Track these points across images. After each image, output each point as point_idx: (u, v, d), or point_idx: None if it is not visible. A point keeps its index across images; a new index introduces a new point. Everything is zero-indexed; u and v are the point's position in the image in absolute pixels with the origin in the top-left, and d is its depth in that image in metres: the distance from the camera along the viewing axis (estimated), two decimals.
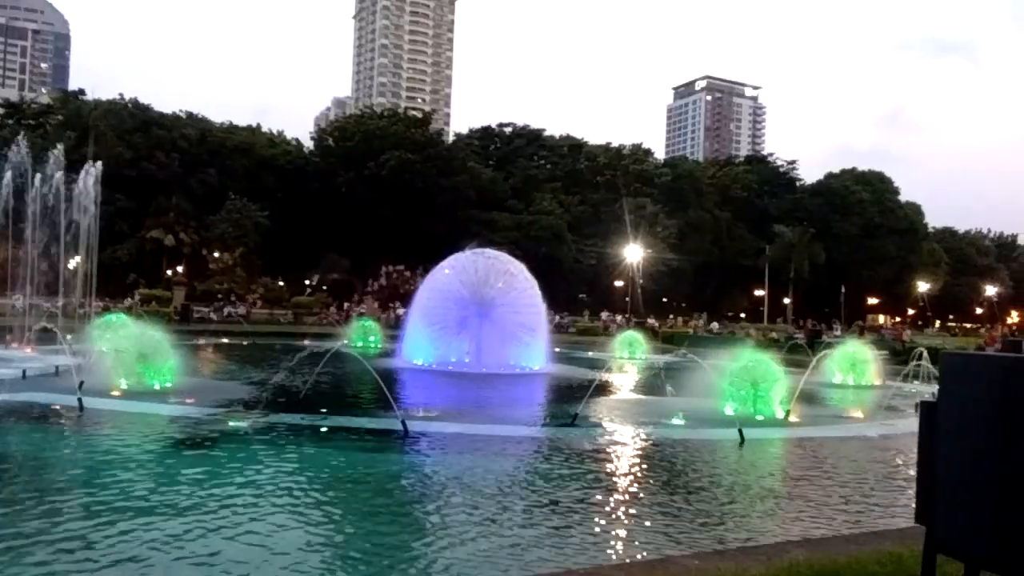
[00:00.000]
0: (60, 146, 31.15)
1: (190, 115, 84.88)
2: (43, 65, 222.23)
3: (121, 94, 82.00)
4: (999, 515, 3.53)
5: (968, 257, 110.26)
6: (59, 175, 28.60)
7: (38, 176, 28.01)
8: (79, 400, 13.32)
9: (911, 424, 13.43)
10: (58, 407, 13.43)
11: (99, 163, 31.48)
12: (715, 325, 63.91)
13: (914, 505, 4.16)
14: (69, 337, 21.77)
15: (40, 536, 6.44)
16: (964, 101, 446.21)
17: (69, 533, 6.57)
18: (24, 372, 17.67)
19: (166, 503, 7.67)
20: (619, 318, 64.32)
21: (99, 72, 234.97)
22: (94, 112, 72.37)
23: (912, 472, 8.94)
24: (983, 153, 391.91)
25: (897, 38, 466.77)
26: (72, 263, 31.59)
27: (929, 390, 20.75)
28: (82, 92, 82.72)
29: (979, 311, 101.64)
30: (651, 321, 63.12)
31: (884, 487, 10.25)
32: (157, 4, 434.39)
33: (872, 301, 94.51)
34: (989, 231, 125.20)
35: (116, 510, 7.34)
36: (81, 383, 14.22)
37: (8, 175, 27.98)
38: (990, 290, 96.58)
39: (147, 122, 76.81)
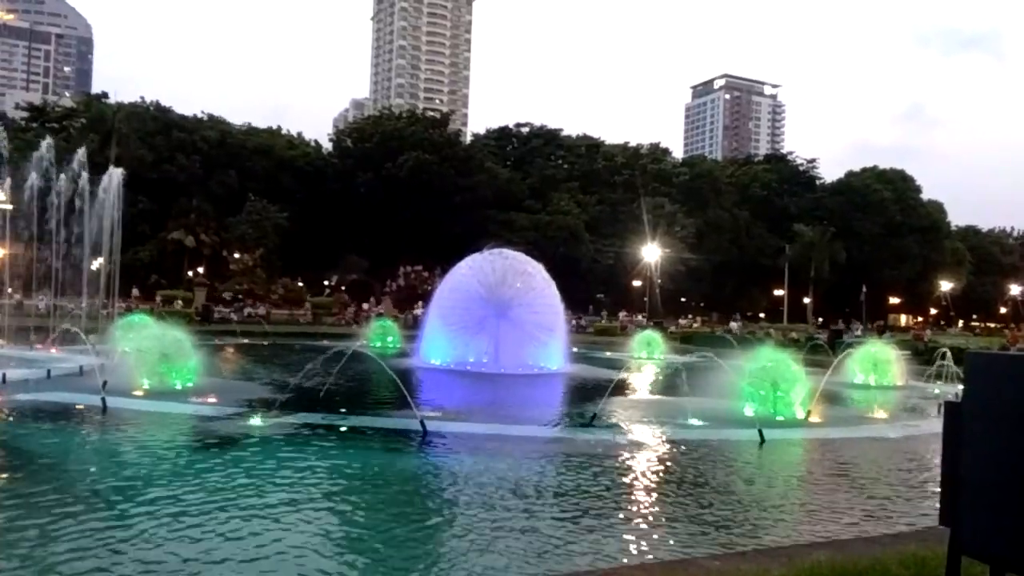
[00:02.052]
0: (83, 149, 31.52)
1: (211, 117, 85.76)
2: (66, 69, 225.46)
3: (143, 97, 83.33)
4: None
5: (992, 256, 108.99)
6: (83, 178, 28.96)
7: (62, 179, 28.38)
8: (102, 400, 13.50)
9: (934, 425, 13.30)
10: (82, 407, 13.60)
11: (122, 166, 31.86)
12: (734, 325, 63.51)
13: (938, 506, 4.12)
14: (92, 337, 22.05)
15: (79, 533, 6.54)
16: (987, 96, 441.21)
17: (111, 532, 6.66)
18: (49, 372, 17.98)
19: (195, 501, 7.74)
20: (638, 317, 64.16)
21: (121, 75, 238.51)
22: (117, 115, 73.22)
23: (935, 473, 8.86)
24: (1008, 150, 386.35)
25: (916, 32, 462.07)
26: (95, 264, 31.97)
27: (952, 391, 20.51)
28: (105, 95, 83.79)
29: (1003, 310, 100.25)
30: (683, 321, 62.77)
31: (906, 488, 10.14)
32: (178, 7, 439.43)
33: (894, 300, 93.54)
34: (1013, 229, 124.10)
35: (146, 507, 7.43)
36: (104, 383, 14.41)
37: (33, 178, 28.39)
38: (1014, 289, 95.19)
39: (168, 124, 77.73)
